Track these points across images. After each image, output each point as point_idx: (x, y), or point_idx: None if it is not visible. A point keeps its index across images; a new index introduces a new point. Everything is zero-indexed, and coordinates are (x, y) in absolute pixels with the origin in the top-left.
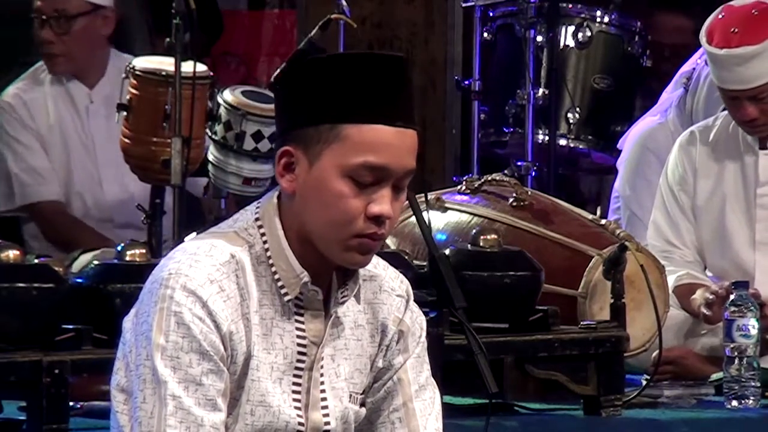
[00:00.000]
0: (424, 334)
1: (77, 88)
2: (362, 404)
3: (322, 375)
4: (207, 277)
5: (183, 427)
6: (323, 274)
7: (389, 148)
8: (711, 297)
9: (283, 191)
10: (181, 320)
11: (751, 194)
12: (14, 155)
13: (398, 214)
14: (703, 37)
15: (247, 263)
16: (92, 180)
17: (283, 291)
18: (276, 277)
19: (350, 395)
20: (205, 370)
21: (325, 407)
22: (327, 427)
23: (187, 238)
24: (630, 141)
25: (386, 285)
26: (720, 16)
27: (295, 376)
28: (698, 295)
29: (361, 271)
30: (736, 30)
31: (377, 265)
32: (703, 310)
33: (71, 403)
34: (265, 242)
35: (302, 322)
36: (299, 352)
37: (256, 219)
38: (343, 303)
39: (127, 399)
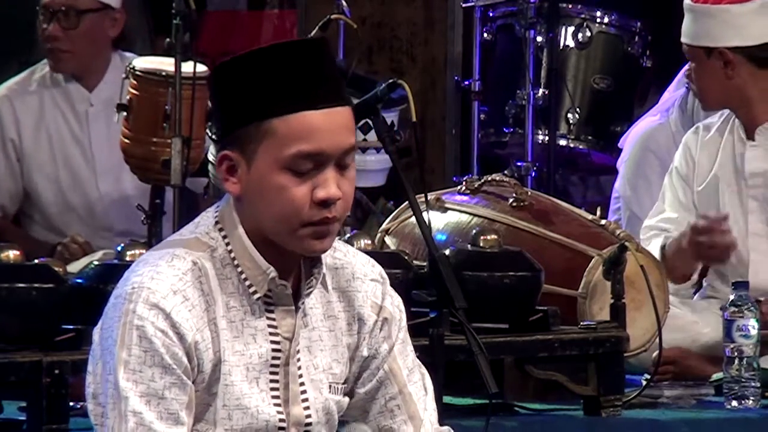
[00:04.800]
0: (404, 316)
1: (77, 91)
2: (346, 394)
3: (299, 368)
4: (170, 288)
5: None
6: (289, 268)
7: (319, 132)
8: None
9: (231, 195)
10: (144, 334)
11: (742, 186)
12: None
13: (351, 192)
14: None
15: (210, 268)
16: (89, 186)
17: (251, 290)
18: (243, 277)
19: (330, 386)
20: (168, 383)
21: (305, 400)
22: (309, 420)
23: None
24: (630, 141)
25: (358, 272)
26: None
27: (271, 373)
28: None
29: (330, 260)
30: None
31: (347, 253)
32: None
33: (71, 403)
34: (227, 244)
35: (273, 319)
36: (273, 349)
37: (216, 222)
38: (309, 294)
39: (103, 412)
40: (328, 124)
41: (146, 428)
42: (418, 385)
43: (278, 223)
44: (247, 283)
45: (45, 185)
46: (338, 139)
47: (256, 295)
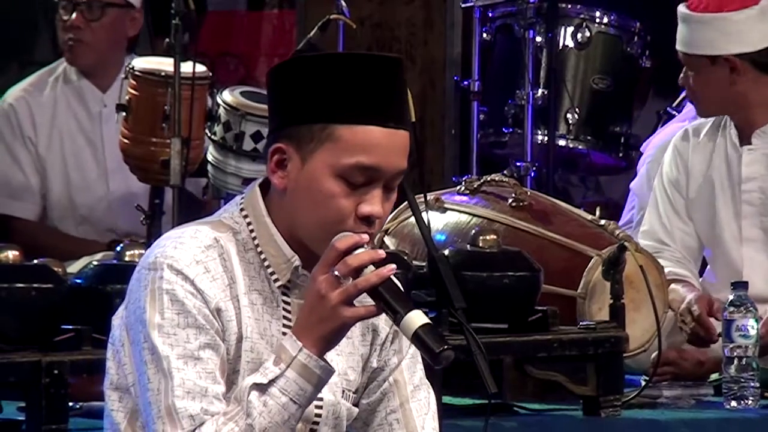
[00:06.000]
0: None
1: (91, 91)
2: (355, 404)
3: None
4: (192, 257)
5: (189, 397)
6: (312, 261)
7: (381, 149)
8: (689, 322)
9: (273, 188)
10: (175, 297)
11: (737, 190)
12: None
13: (388, 213)
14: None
15: (232, 249)
16: (97, 186)
17: (273, 277)
18: (266, 263)
19: (343, 391)
20: (203, 344)
21: (319, 399)
22: (317, 419)
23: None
24: (656, 143)
25: None
26: None
27: None
28: (676, 296)
29: None
30: None
31: None
32: (682, 326)
33: (70, 404)
34: (251, 231)
35: (289, 311)
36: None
37: (241, 209)
38: None
39: (122, 396)
40: (391, 143)
41: (192, 382)
42: (421, 403)
43: (318, 227)
44: (270, 270)
45: (54, 184)
46: (396, 160)
47: (278, 283)
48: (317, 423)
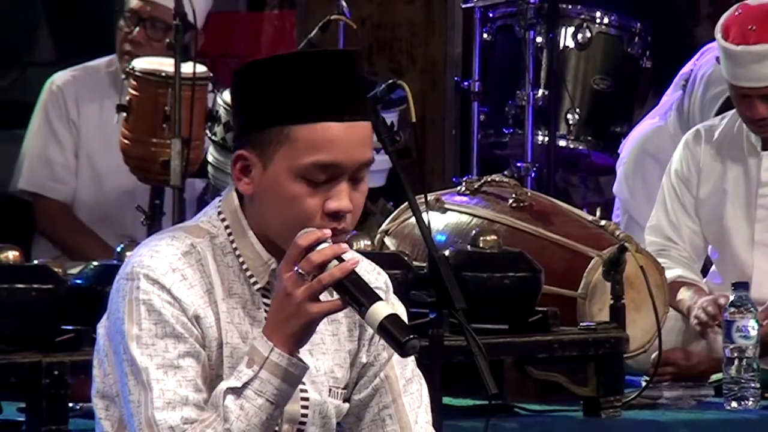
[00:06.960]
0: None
1: None
2: (345, 400)
3: None
4: (169, 266)
5: (169, 407)
6: None
7: (339, 145)
8: (703, 317)
9: (242, 194)
10: (152, 307)
11: (752, 194)
12: (41, 140)
13: (361, 205)
14: (718, 33)
15: (209, 254)
16: (128, 189)
17: (252, 280)
18: (244, 267)
19: (330, 389)
20: (182, 352)
21: (305, 399)
22: (303, 419)
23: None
24: (629, 143)
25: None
26: (737, 13)
27: None
28: (686, 297)
29: None
30: (754, 27)
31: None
32: (694, 325)
33: (70, 404)
34: (229, 234)
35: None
36: None
37: (219, 213)
38: None
39: (109, 405)
40: (349, 137)
41: (171, 392)
42: (414, 397)
43: (286, 229)
44: (248, 273)
45: (84, 173)
46: (356, 153)
47: (257, 286)
48: (304, 423)
